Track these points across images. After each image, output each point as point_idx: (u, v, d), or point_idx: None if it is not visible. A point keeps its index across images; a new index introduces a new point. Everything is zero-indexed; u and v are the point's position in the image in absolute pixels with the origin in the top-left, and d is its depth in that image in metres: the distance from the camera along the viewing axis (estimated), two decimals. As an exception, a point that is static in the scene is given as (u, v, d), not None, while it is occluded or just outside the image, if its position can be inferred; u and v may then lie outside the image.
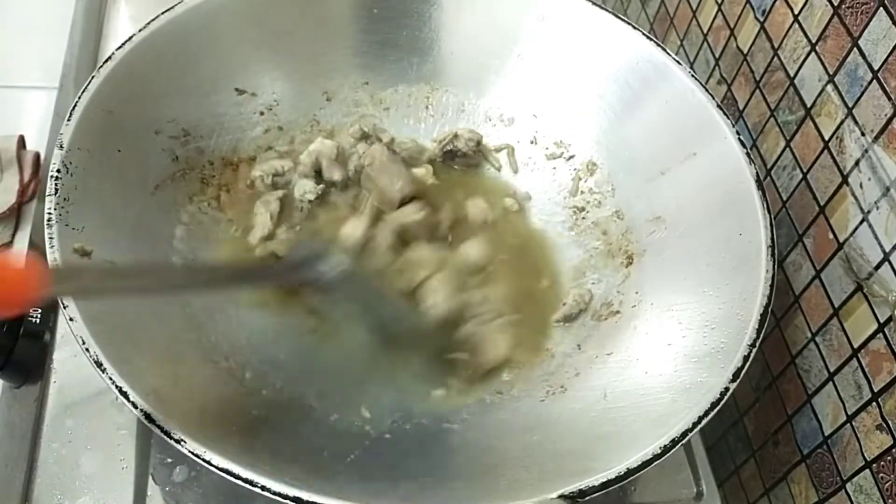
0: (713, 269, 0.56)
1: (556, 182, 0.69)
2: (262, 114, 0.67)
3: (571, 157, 0.69)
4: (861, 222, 0.54)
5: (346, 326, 0.59)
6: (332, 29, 0.69)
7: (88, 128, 0.54)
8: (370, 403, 0.56)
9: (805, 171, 0.60)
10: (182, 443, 0.42)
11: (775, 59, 0.63)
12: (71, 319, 0.45)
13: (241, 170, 0.65)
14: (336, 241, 0.62)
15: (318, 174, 0.66)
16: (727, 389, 0.48)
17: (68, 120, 0.53)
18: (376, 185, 0.64)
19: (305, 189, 0.64)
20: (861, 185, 0.54)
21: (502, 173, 0.70)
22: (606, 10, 0.66)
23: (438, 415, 0.56)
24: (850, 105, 0.55)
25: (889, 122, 0.51)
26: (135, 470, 0.54)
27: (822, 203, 0.58)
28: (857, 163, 0.54)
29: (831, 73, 0.57)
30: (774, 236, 0.54)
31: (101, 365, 0.44)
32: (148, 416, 0.43)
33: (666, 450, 0.45)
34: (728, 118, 0.59)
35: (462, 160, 0.69)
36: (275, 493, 0.41)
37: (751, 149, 0.63)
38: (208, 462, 0.42)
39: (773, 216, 0.55)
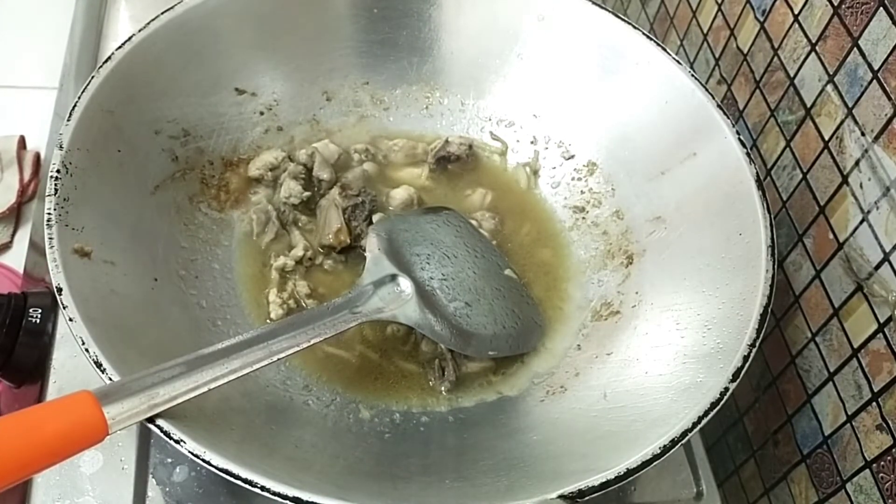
0: (713, 269, 0.56)
1: (555, 182, 0.69)
2: (262, 114, 0.67)
3: (571, 157, 0.69)
4: (861, 222, 0.54)
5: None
6: (332, 29, 0.69)
7: (88, 128, 0.54)
8: (370, 403, 0.56)
9: (805, 171, 0.60)
10: (182, 443, 0.42)
11: (775, 59, 0.63)
12: (71, 319, 0.45)
13: (241, 170, 0.65)
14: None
15: (307, 179, 0.65)
16: (727, 389, 0.47)
17: (68, 120, 0.53)
18: (318, 220, 0.64)
19: (291, 191, 0.64)
20: (861, 185, 0.54)
21: (500, 173, 0.70)
22: (606, 10, 0.66)
23: (438, 415, 0.56)
24: (850, 105, 0.55)
25: (889, 122, 0.51)
26: (135, 470, 0.54)
27: (822, 203, 0.58)
28: (857, 163, 0.54)
29: (831, 73, 0.57)
30: (774, 236, 0.54)
31: (101, 365, 0.44)
32: (148, 416, 0.43)
33: (666, 450, 0.45)
34: (728, 118, 0.59)
35: (456, 164, 0.69)
36: (274, 494, 0.41)
37: (751, 149, 0.63)
38: (208, 462, 0.42)
39: (773, 216, 0.55)
